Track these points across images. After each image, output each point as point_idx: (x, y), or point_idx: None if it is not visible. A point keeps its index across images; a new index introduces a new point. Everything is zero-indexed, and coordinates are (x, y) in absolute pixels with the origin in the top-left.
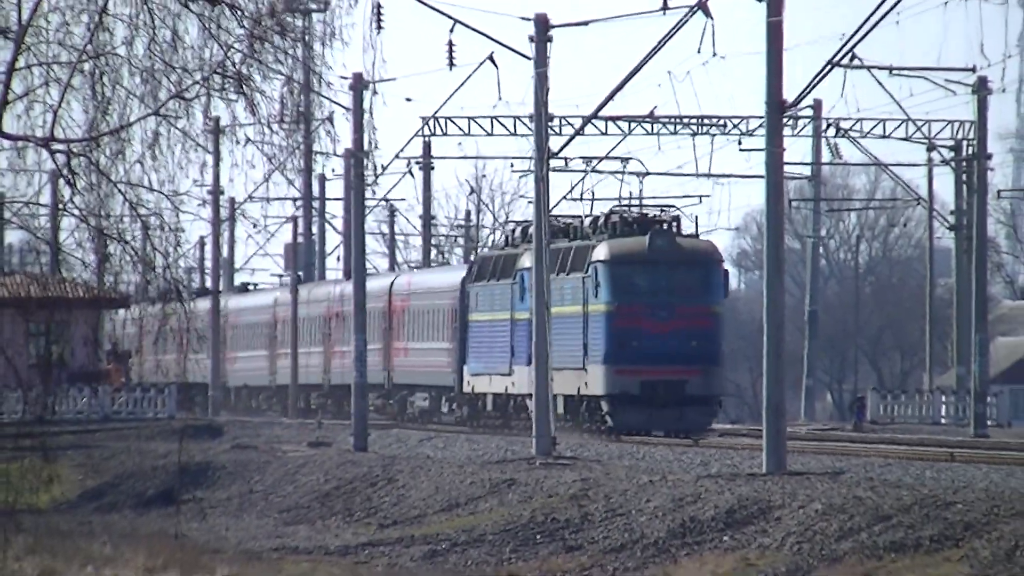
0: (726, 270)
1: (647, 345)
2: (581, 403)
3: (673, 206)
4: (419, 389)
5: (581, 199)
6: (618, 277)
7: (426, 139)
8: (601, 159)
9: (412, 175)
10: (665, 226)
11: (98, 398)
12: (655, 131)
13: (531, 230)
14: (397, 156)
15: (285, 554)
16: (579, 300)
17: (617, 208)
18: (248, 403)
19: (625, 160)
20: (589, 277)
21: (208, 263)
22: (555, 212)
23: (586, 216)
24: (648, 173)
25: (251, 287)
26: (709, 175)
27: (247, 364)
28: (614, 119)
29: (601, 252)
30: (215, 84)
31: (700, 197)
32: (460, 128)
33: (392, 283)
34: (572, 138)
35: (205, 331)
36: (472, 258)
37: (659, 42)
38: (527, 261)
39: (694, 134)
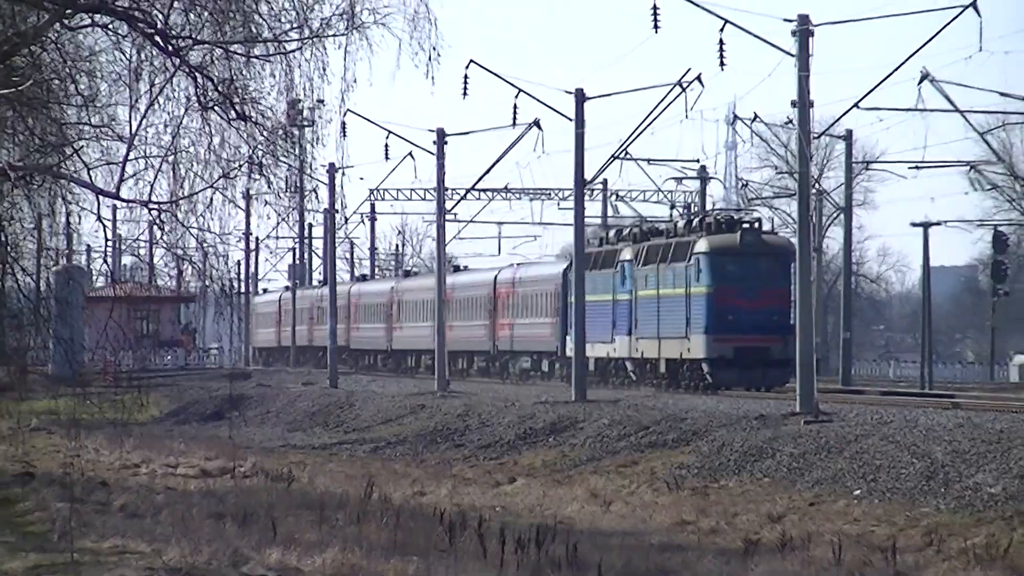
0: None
1: (740, 319)
2: (682, 365)
3: (755, 209)
4: (522, 355)
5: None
6: (717, 265)
7: (372, 201)
8: (478, 213)
9: (364, 223)
10: (750, 226)
11: (177, 356)
12: (507, 197)
13: (625, 231)
14: (355, 212)
15: (288, 449)
16: (681, 284)
17: (710, 212)
18: (267, 359)
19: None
20: (691, 266)
21: (243, 276)
22: (643, 216)
23: (679, 219)
24: (504, 222)
25: (265, 290)
26: (543, 223)
27: (265, 335)
28: (484, 190)
29: (702, 246)
30: (247, 168)
31: (534, 237)
32: (392, 195)
33: (496, 276)
34: (458, 201)
35: (242, 316)
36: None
37: (511, 144)
38: (627, 254)
39: (532, 199)
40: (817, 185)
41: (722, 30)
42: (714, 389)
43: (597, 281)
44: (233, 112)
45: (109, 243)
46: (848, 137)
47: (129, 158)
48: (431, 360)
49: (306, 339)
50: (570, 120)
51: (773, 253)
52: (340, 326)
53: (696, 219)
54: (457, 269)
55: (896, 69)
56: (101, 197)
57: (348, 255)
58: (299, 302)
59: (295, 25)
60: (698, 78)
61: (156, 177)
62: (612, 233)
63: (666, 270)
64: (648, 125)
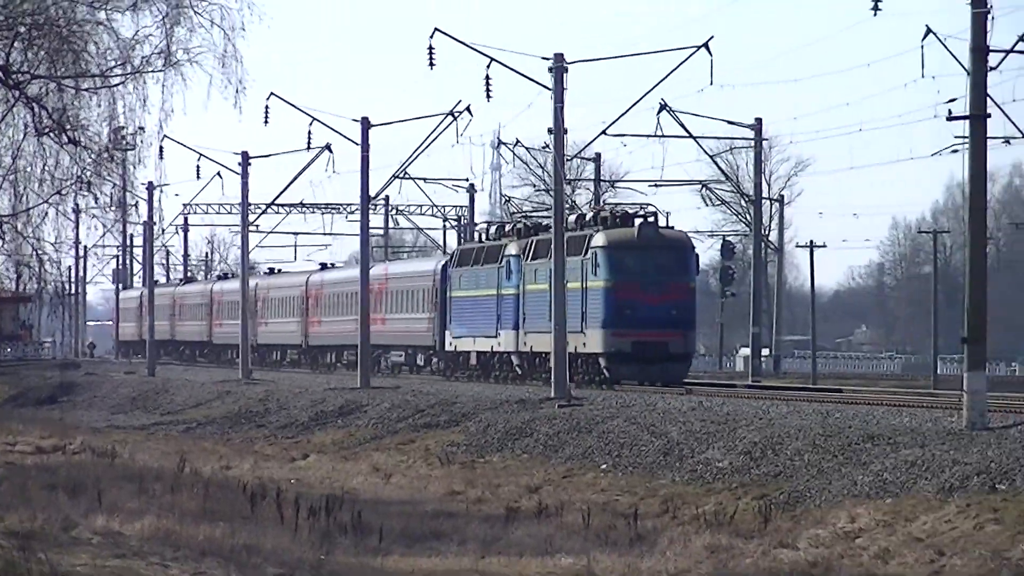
0: (697, 254)
1: (639, 313)
2: (577, 359)
3: (651, 204)
4: (394, 348)
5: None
6: (615, 259)
7: (185, 215)
8: (276, 225)
9: (178, 233)
10: (645, 220)
11: (16, 348)
12: (303, 212)
13: (508, 227)
14: (170, 224)
15: (112, 429)
16: (577, 278)
17: (604, 206)
18: (129, 352)
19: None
20: (588, 259)
21: (73, 279)
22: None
23: (570, 214)
24: (300, 233)
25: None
26: (333, 234)
27: (130, 329)
28: (282, 205)
29: (599, 240)
30: (77, 186)
31: (326, 245)
32: (203, 209)
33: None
34: (260, 215)
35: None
36: (450, 250)
37: (306, 165)
38: (512, 249)
39: (323, 213)
40: (570, 201)
41: (488, 67)
42: (610, 384)
43: (480, 276)
44: (65, 137)
45: None
46: (597, 159)
47: None
48: (296, 354)
49: (168, 334)
50: (357, 144)
51: (671, 247)
52: (202, 323)
53: (590, 213)
54: (324, 267)
55: (639, 100)
56: None
57: (164, 261)
58: (159, 299)
59: (119, 62)
60: (467, 108)
61: None
62: (494, 229)
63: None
64: (424, 148)
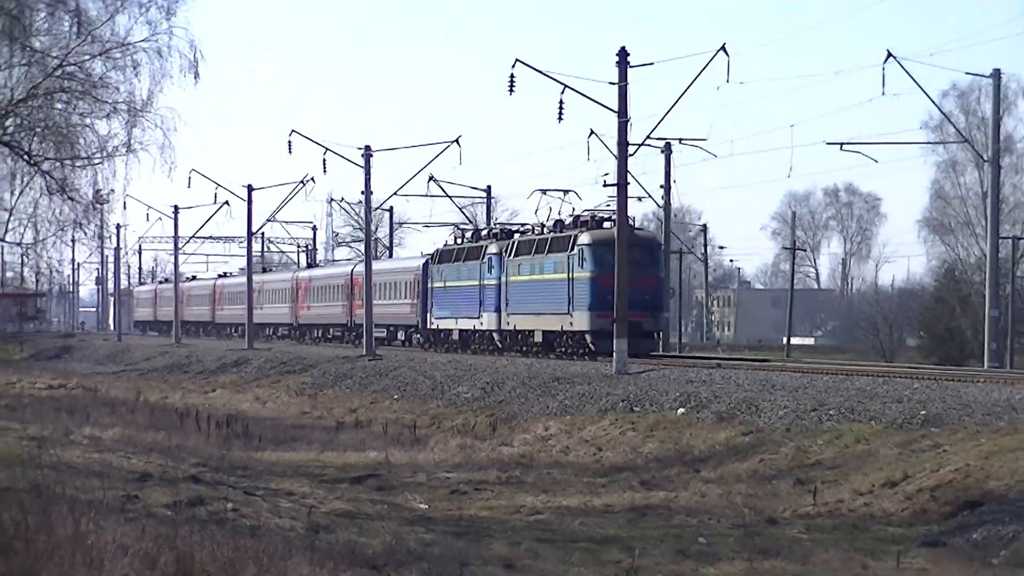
0: (664, 251)
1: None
2: (562, 336)
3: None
4: (377, 327)
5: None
6: (598, 255)
7: (140, 243)
8: (195, 250)
9: (135, 255)
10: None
11: (35, 325)
12: (213, 242)
13: (484, 232)
14: (130, 249)
15: (95, 374)
16: (563, 270)
17: (586, 212)
18: (144, 328)
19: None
20: (574, 255)
21: (71, 282)
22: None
23: (544, 222)
24: (193, 254)
25: (142, 282)
26: (231, 255)
27: (144, 312)
28: (201, 238)
29: (585, 239)
30: (73, 225)
31: (226, 262)
32: (150, 240)
33: (353, 269)
34: (186, 243)
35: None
36: (430, 251)
37: (213, 213)
38: (493, 249)
39: (225, 242)
40: (375, 235)
41: (325, 153)
42: (593, 356)
43: (462, 270)
44: (65, 196)
45: None
46: (391, 210)
47: (10, 220)
48: (287, 331)
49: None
50: (244, 200)
51: (644, 244)
52: (206, 308)
53: (569, 219)
54: (312, 266)
55: (416, 174)
56: None
57: (127, 273)
58: (171, 291)
59: (98, 149)
60: (312, 178)
61: (24, 229)
62: (471, 234)
63: (544, 259)
64: (287, 203)
